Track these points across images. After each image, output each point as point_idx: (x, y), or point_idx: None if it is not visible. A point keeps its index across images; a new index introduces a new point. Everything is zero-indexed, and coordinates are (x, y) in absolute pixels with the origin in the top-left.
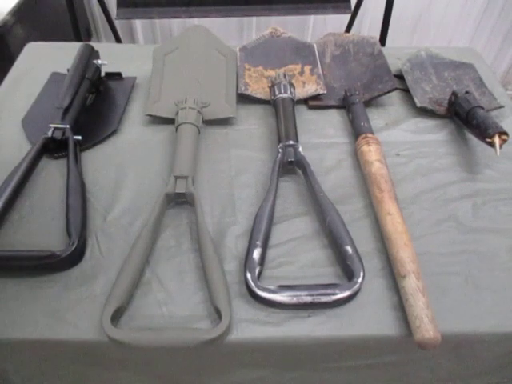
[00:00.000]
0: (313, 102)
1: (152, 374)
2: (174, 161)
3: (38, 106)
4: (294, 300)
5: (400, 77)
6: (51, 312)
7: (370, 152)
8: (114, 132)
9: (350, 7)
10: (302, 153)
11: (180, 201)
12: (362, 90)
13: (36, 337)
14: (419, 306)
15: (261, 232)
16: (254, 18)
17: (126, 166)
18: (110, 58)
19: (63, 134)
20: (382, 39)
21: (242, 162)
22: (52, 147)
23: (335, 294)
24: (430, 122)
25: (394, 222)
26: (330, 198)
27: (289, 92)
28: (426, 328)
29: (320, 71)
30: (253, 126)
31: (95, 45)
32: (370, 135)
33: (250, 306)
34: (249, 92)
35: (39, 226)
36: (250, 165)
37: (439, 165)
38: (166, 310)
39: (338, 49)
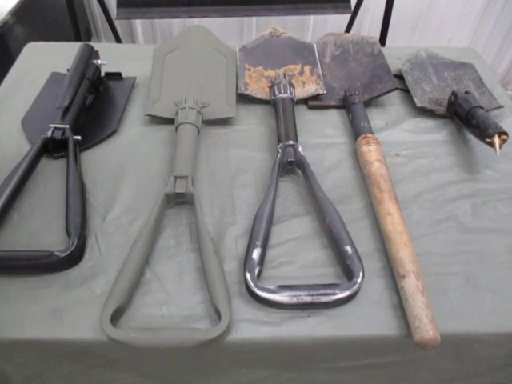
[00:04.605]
0: (313, 102)
1: (151, 374)
2: (174, 161)
3: (38, 106)
4: (294, 300)
5: (400, 77)
6: (51, 312)
7: (370, 152)
8: (114, 132)
9: (349, 7)
10: (302, 153)
11: (180, 201)
12: (362, 90)
13: (36, 337)
14: (419, 306)
15: (260, 232)
16: (254, 18)
17: (125, 166)
18: (110, 57)
19: (63, 133)
20: (382, 39)
21: (242, 162)
22: (52, 147)
23: (335, 294)
24: (429, 122)
25: (393, 222)
26: (330, 198)
27: (289, 92)
28: (426, 328)
29: (320, 71)
30: (253, 125)
31: (95, 45)
32: (369, 135)
33: (249, 306)
34: (249, 92)
35: (39, 226)
36: (250, 165)
37: (439, 165)
38: (165, 310)
39: (338, 49)
